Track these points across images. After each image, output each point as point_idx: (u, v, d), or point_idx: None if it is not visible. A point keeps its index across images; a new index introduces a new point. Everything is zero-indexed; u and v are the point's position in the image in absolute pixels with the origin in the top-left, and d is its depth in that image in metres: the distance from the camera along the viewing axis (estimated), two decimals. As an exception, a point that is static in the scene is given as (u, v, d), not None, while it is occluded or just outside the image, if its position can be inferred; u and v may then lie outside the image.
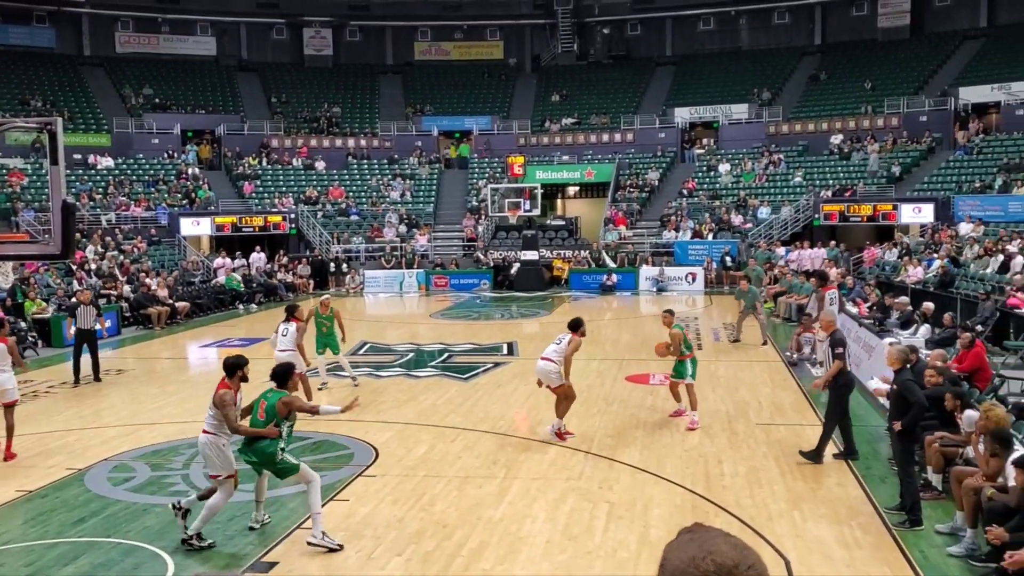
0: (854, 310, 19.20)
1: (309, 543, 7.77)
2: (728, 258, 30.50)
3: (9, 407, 10.86)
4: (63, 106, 39.64)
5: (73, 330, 15.84)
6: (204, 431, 8.04)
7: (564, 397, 11.22)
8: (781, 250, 29.77)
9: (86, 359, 15.62)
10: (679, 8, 47.13)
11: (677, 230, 33.13)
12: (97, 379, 15.50)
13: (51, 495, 9.44)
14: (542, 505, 8.82)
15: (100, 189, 34.75)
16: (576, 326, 11.50)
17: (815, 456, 9.96)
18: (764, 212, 33.44)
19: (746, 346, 18.33)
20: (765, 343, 18.24)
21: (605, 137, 41.78)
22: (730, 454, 10.52)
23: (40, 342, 19.44)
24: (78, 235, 25.53)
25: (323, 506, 8.29)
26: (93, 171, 36.32)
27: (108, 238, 29.40)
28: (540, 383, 11.49)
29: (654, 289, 30.09)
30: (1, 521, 8.67)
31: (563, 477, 9.69)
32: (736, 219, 33.35)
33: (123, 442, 11.46)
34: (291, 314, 12.98)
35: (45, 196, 31.79)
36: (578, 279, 31.18)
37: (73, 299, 18.22)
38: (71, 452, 11.15)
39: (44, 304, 20.78)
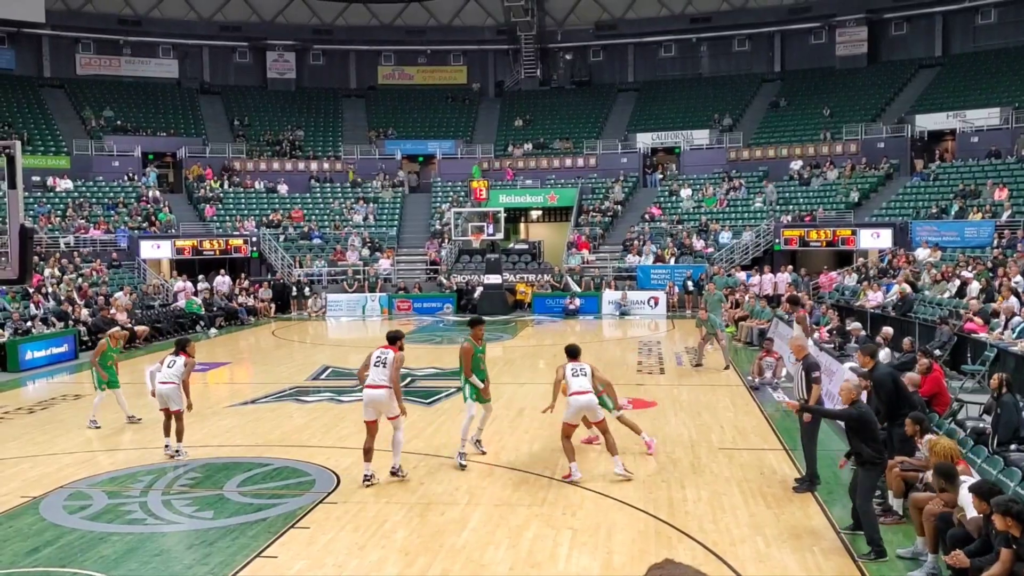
0: (815, 335, 19.45)
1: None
2: (690, 282, 30.76)
3: None
4: (22, 128, 39.12)
5: None
6: (381, 386, 10.15)
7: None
8: (742, 275, 30.10)
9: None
10: (641, 35, 47.80)
11: (640, 254, 33.38)
12: None
13: (4, 523, 9.22)
14: (505, 532, 8.78)
15: (59, 212, 34.25)
16: (394, 338, 10.62)
17: (809, 482, 9.99)
18: (725, 237, 33.82)
19: (708, 370, 18.46)
20: (727, 367, 18.40)
21: (568, 162, 42.10)
22: (693, 479, 10.56)
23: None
24: (36, 258, 25.12)
25: (282, 534, 8.35)
26: (52, 193, 35.83)
27: (66, 261, 28.96)
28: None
29: (617, 313, 30.23)
30: (-45, 552, 8.45)
31: (526, 503, 9.67)
32: (698, 243, 33.69)
33: (79, 469, 11.24)
34: (182, 348, 12.49)
35: (1, 219, 31.24)
36: (541, 303, 31.25)
37: None
38: (25, 479, 10.90)
39: (0, 329, 20.37)
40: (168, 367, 11.91)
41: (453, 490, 10.19)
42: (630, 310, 30.31)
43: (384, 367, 10.25)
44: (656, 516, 9.21)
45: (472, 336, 11.43)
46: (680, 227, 35.30)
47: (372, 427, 10.22)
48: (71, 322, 23.18)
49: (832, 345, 18.83)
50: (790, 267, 30.25)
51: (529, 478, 10.62)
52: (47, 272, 26.67)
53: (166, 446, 11.82)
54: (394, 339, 10.57)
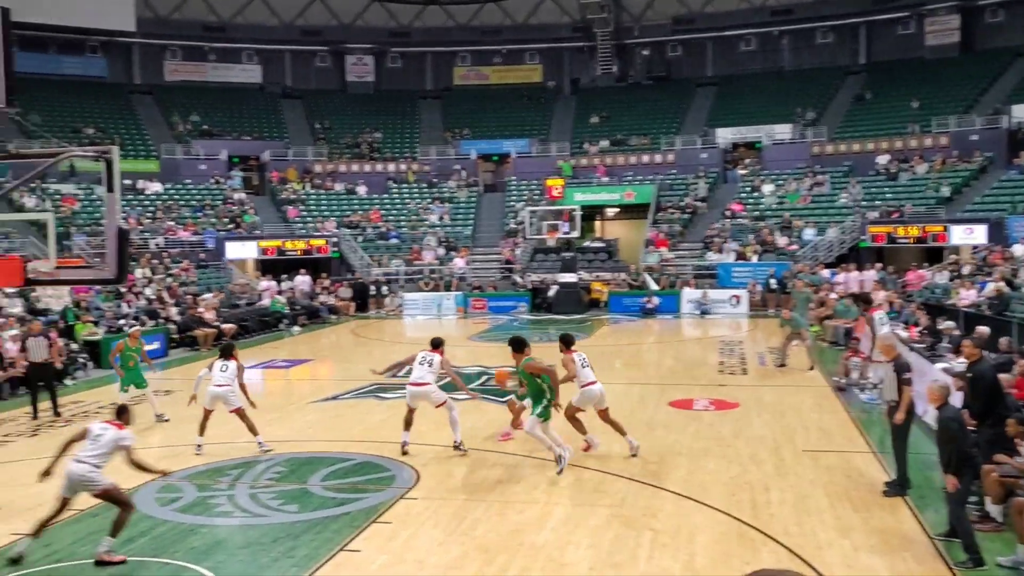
0: (904, 334, 18.83)
1: None
2: (773, 280, 30.15)
3: None
4: (114, 133, 40.59)
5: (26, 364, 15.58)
6: (424, 383, 11.76)
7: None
8: (826, 272, 29.37)
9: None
10: (720, 29, 47.08)
11: (720, 252, 32.86)
12: (56, 414, 14.89)
13: (101, 514, 9.54)
14: (585, 532, 8.73)
15: (149, 214, 35.46)
16: (437, 343, 12.30)
17: (900, 486, 9.70)
18: (809, 233, 33.06)
19: (792, 371, 18.06)
20: (812, 368, 17.97)
21: (645, 158, 41.70)
22: (777, 481, 10.34)
23: (91, 363, 19.75)
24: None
25: (364, 529, 8.54)
26: (142, 196, 37.08)
27: (156, 261, 29.97)
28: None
29: (697, 312, 29.82)
30: (53, 539, 8.79)
31: (606, 503, 9.59)
32: (781, 240, 33.00)
33: (170, 463, 11.56)
34: (229, 353, 12.78)
35: (95, 220, 32.52)
36: (618, 302, 31.02)
37: (25, 328, 17.19)
38: (120, 472, 11.26)
39: (94, 327, 21.16)
40: (221, 371, 12.33)
41: (532, 488, 10.18)
42: (711, 309, 29.85)
43: (430, 367, 11.91)
44: (739, 518, 9.04)
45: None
46: (762, 224, 34.63)
47: (413, 412, 11.95)
48: (161, 320, 23.97)
49: (923, 345, 18.21)
50: (878, 264, 29.36)
51: (608, 478, 10.54)
52: (138, 272, 27.61)
53: (198, 446, 12.13)
54: (437, 344, 12.21)
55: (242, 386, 12.46)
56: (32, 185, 32.16)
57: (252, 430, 12.14)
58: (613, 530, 8.75)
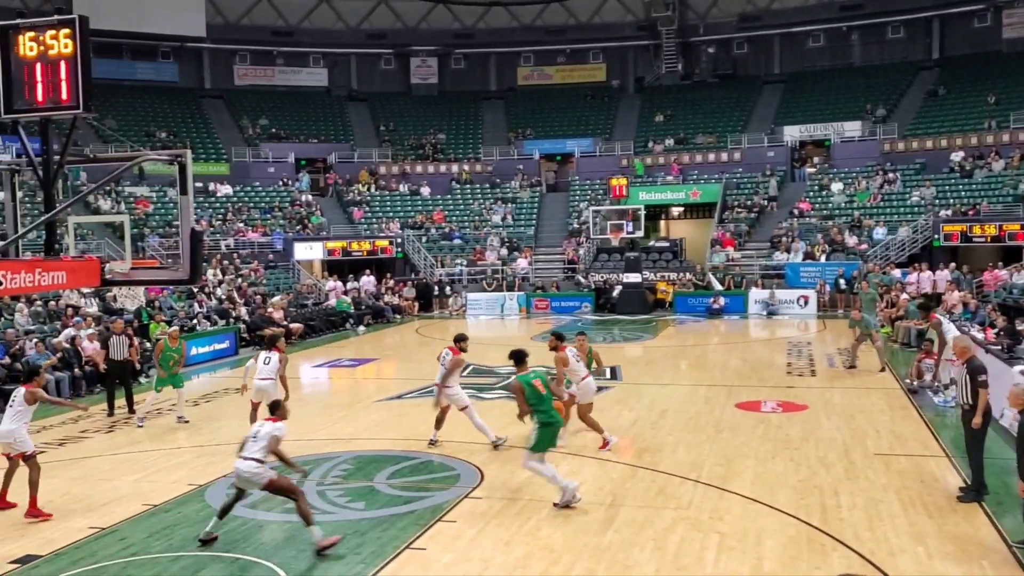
0: (980, 336, 18.26)
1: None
2: (842, 280, 29.51)
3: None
4: (185, 137, 41.63)
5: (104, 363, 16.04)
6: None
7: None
8: (897, 272, 28.66)
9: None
10: (787, 25, 46.25)
11: (788, 251, 32.31)
12: (131, 411, 15.31)
13: (173, 510, 9.82)
14: (650, 534, 8.66)
15: (220, 216, 36.29)
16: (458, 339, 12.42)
17: (976, 492, 9.43)
18: (880, 232, 32.30)
19: (862, 372, 17.65)
20: (883, 369, 17.55)
21: (711, 157, 41.20)
22: (847, 485, 10.12)
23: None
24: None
25: (429, 527, 8.69)
26: (213, 198, 37.96)
27: (227, 262, 30.67)
28: None
29: (764, 312, 29.36)
30: (128, 534, 9.06)
31: (671, 506, 9.51)
32: (850, 240, 32.30)
33: (204, 462, 11.82)
34: (273, 344, 12.98)
35: (167, 222, 33.43)
36: (683, 302, 30.71)
37: (107, 327, 17.62)
38: (192, 468, 11.60)
39: (167, 326, 21.71)
40: (264, 364, 12.52)
41: (596, 490, 10.14)
42: (778, 309, 29.36)
43: (442, 365, 12.25)
44: (808, 522, 8.88)
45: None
46: (831, 223, 33.93)
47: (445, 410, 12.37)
48: (231, 320, 24.51)
49: (1000, 347, 17.63)
50: (952, 264, 28.53)
51: (673, 480, 10.45)
52: (209, 273, 28.28)
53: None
54: (458, 340, 12.41)
55: (282, 378, 12.62)
56: (107, 188, 33.16)
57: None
58: (679, 533, 8.67)
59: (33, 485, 9.55)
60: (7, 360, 17.00)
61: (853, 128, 40.08)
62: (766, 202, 36.99)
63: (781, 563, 7.90)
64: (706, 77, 48.00)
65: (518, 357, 10.59)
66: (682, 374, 18.89)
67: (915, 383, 15.83)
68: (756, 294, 30.06)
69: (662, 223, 41.13)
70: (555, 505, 9.44)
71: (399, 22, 49.20)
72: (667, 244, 35.98)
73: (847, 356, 18.62)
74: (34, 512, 9.51)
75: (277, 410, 8.98)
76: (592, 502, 9.66)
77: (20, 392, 9.94)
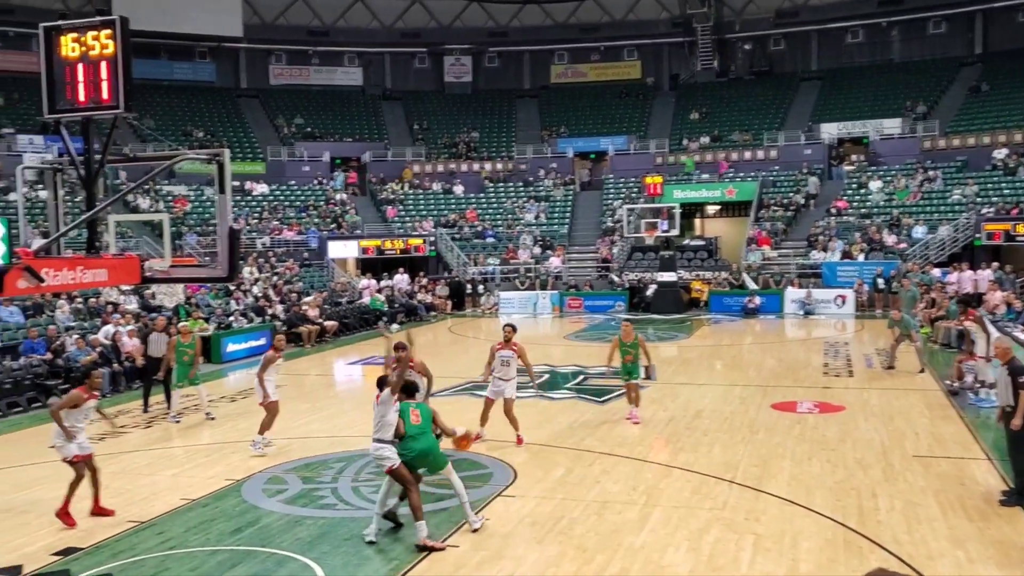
0: (1022, 336, 17.94)
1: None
2: (881, 280, 29.09)
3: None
4: (222, 136, 42.09)
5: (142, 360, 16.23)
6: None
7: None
8: (937, 272, 28.21)
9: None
10: (825, 21, 45.72)
11: (826, 250, 31.93)
12: (169, 406, 15.36)
13: (211, 504, 9.94)
14: (684, 534, 8.61)
15: (256, 214, 36.65)
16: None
17: (1018, 495, 9.24)
18: (919, 231, 31.81)
19: (901, 373, 17.40)
20: (923, 370, 17.28)
21: (747, 154, 40.84)
22: (885, 487, 9.99)
23: (201, 358, 20.50)
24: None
25: (463, 525, 8.75)
26: (249, 197, 38.34)
27: (262, 260, 30.96)
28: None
29: (801, 312, 29.04)
30: (167, 527, 9.19)
31: (706, 507, 9.44)
32: (889, 239, 31.85)
33: (277, 455, 11.95)
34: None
35: (204, 221, 33.82)
36: (718, 301, 30.47)
37: (147, 325, 17.77)
38: (228, 464, 11.72)
39: (205, 323, 21.99)
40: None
41: (630, 490, 10.10)
42: (815, 309, 29.02)
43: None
44: (845, 524, 8.78)
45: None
46: (869, 221, 33.49)
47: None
48: (267, 317, 24.74)
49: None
50: (995, 264, 28.02)
51: (708, 481, 10.37)
52: (246, 271, 28.57)
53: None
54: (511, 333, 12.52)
55: (259, 378, 12.57)
56: (146, 187, 33.61)
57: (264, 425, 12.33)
58: (714, 533, 8.61)
59: (71, 487, 9.32)
60: (48, 356, 17.29)
61: (893, 125, 39.51)
62: (804, 200, 36.58)
63: (818, 565, 7.81)
64: (742, 74, 47.62)
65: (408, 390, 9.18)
66: (717, 374, 18.76)
67: (956, 384, 15.57)
68: (792, 294, 29.74)
69: (697, 221, 40.82)
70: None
71: (433, 21, 49.35)
72: (702, 243, 35.72)
73: (886, 357, 18.36)
74: (62, 510, 9.27)
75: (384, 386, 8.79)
76: (626, 501, 9.63)
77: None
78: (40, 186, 28.14)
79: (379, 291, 30.62)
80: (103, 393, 16.72)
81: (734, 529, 8.71)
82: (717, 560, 7.97)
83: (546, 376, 18.11)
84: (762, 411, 14.25)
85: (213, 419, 14.66)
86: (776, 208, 36.34)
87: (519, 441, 12.25)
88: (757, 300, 29.57)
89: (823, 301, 29.25)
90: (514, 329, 12.64)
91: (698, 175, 39.71)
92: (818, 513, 9.13)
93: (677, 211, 32.42)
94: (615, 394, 15.73)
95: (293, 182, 40.80)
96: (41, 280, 6.57)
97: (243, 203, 37.31)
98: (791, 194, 37.20)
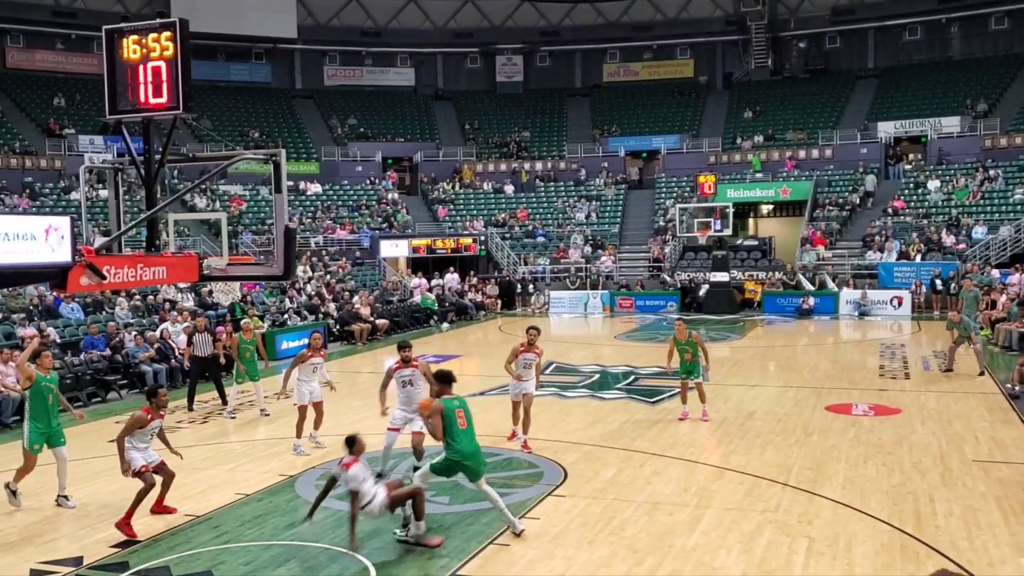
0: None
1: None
2: (939, 281, 28.46)
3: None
4: (277, 136, 42.71)
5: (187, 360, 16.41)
6: None
7: None
8: (995, 273, 27.51)
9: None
10: (882, 18, 44.91)
11: (882, 251, 31.33)
12: (224, 403, 15.67)
13: (265, 499, 10.09)
14: (736, 536, 8.52)
15: (309, 214, 37.14)
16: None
17: None
18: (980, 232, 31.04)
19: (960, 376, 17.00)
20: (982, 373, 16.87)
21: (802, 153, 40.25)
22: (943, 492, 9.76)
23: (265, 356, 20.80)
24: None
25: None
26: (303, 197, 38.86)
27: (316, 259, 31.36)
28: None
29: (856, 313, 28.54)
30: (221, 521, 9.35)
31: (759, 509, 9.33)
32: (948, 239, 31.14)
33: (330, 452, 12.08)
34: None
35: (260, 220, 34.36)
36: (772, 302, 30.08)
37: (191, 324, 17.87)
38: (283, 460, 11.89)
39: (260, 320, 22.34)
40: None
41: (682, 491, 10.02)
42: (870, 310, 28.51)
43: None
44: (901, 529, 8.60)
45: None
46: (927, 221, 32.78)
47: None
48: (320, 315, 25.06)
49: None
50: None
51: (761, 483, 10.24)
52: (299, 269, 28.96)
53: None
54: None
55: (286, 375, 12.75)
56: (203, 186, 34.25)
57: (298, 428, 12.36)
58: (766, 536, 8.50)
59: (137, 497, 9.06)
60: (108, 352, 17.71)
61: (952, 124, 38.63)
62: (859, 200, 35.94)
63: (873, 569, 7.67)
64: (797, 72, 46.99)
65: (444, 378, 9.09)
66: (770, 375, 18.52)
67: (1017, 388, 15.17)
68: (847, 294, 29.25)
69: (750, 221, 40.39)
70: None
71: (485, 21, 49.51)
72: (755, 242, 35.32)
73: (944, 359, 17.97)
74: (124, 521, 8.97)
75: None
76: (678, 503, 9.55)
77: None
78: (101, 185, 28.85)
79: (430, 290, 30.82)
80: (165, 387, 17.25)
81: (787, 532, 8.60)
82: (770, 563, 7.87)
83: (597, 376, 18.06)
84: (816, 413, 14.04)
85: (268, 415, 14.88)
86: (831, 208, 35.76)
87: (525, 445, 11.92)
88: (811, 301, 29.14)
89: (879, 302, 28.74)
90: (538, 332, 12.31)
91: (752, 174, 39.27)
92: (873, 517, 8.97)
93: (730, 210, 32.10)
94: (667, 395, 15.65)
95: (346, 182, 41.25)
96: (103, 277, 6.73)
97: (297, 202, 37.83)
98: (846, 193, 36.58)
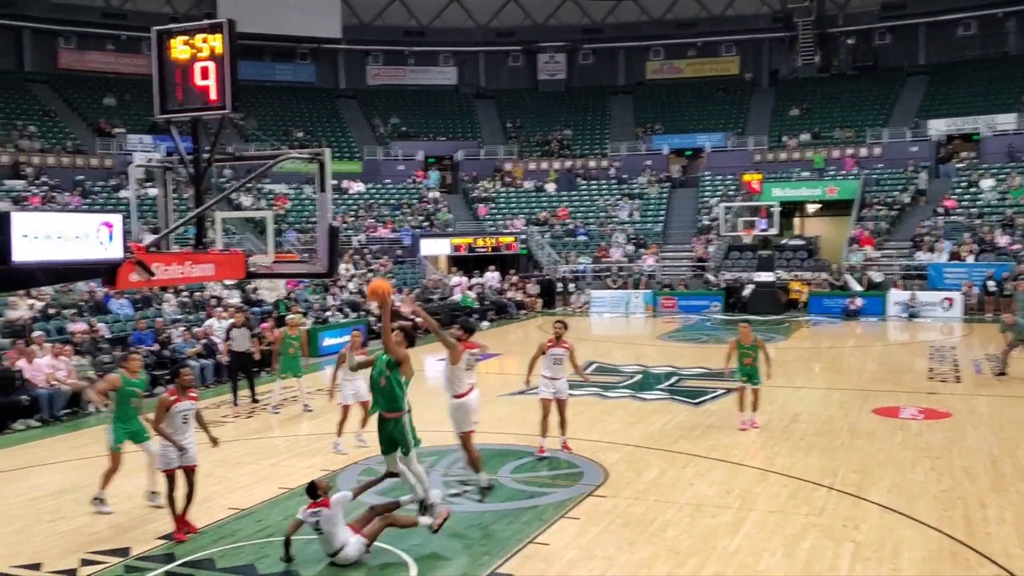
0: None
1: None
2: (991, 282, 27.82)
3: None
4: (321, 136, 43.10)
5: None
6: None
7: None
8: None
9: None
10: (934, 14, 43.98)
11: (932, 251, 30.73)
12: (254, 400, 15.92)
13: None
14: (780, 540, 8.41)
15: (352, 212, 37.43)
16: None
17: None
18: (1035, 232, 30.32)
19: (1013, 380, 16.61)
20: (1036, 377, 16.47)
21: (849, 152, 39.62)
22: (994, 498, 9.54)
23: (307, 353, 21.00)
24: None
25: (553, 523, 8.69)
26: (346, 195, 39.18)
27: (358, 257, 31.60)
28: None
29: (904, 315, 28.03)
30: (265, 515, 9.46)
31: (803, 512, 9.20)
32: (1001, 239, 30.43)
33: (371, 448, 12.15)
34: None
35: (304, 219, 34.71)
36: (818, 303, 29.65)
37: (229, 319, 18.04)
38: (325, 455, 12.00)
39: (303, 317, 22.55)
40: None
41: (724, 493, 9.92)
42: (920, 312, 27.98)
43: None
44: (951, 535, 8.42)
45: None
46: (980, 221, 32.08)
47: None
48: (362, 312, 25.24)
49: None
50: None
51: (805, 486, 10.10)
52: (342, 267, 29.20)
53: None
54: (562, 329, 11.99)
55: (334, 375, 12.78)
56: (248, 185, 34.68)
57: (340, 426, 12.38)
58: (811, 540, 8.38)
59: (169, 501, 8.84)
60: (156, 347, 18.01)
61: (1007, 121, 37.70)
62: (910, 198, 35.27)
63: (922, 577, 7.53)
64: (845, 69, 46.24)
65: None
66: (816, 377, 18.27)
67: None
68: (896, 295, 28.74)
69: (796, 220, 39.86)
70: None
71: (528, 19, 49.48)
72: (802, 242, 34.86)
73: (997, 362, 17.56)
74: (179, 519, 8.84)
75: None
76: (720, 505, 9.46)
77: None
78: (149, 184, 29.27)
79: (470, 288, 30.89)
80: (205, 384, 17.50)
81: (832, 536, 8.47)
82: (814, 567, 7.76)
83: (639, 376, 17.96)
84: (863, 416, 13.81)
85: (311, 411, 15.02)
86: (880, 207, 35.16)
87: (564, 446, 11.73)
88: (859, 302, 28.67)
89: (928, 304, 28.18)
90: (565, 326, 12.01)
91: (798, 172, 38.75)
92: (921, 523, 8.80)
93: (776, 209, 31.69)
94: (710, 396, 15.51)
95: (388, 180, 41.50)
96: (152, 274, 6.84)
97: (340, 201, 38.14)
98: (895, 192, 35.93)
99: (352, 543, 8.09)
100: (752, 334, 13.12)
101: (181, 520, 8.86)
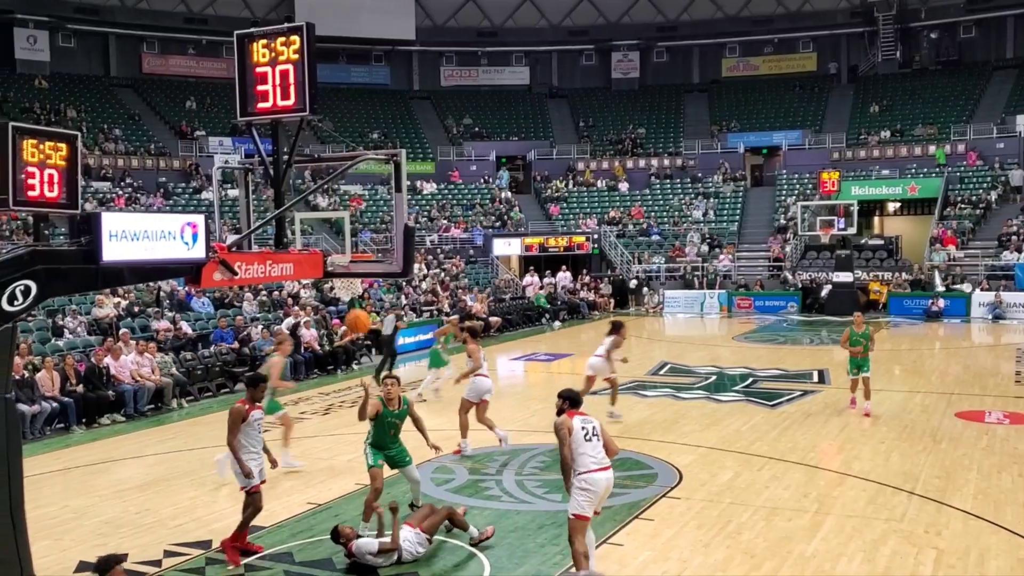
0: None
1: None
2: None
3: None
4: (395, 137, 43.63)
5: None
6: None
7: None
8: None
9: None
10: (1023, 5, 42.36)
11: (1019, 251, 29.63)
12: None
13: (385, 490, 10.28)
14: (859, 545, 8.22)
15: (425, 212, 37.83)
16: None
17: None
18: None
19: (1107, 384, 15.94)
20: None
21: (931, 149, 38.42)
22: (1088, 508, 9.17)
23: (374, 350, 21.37)
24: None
25: (627, 524, 8.70)
26: (419, 196, 39.61)
27: (431, 257, 31.93)
28: None
29: (989, 316, 27.10)
30: (342, 510, 9.65)
31: (883, 517, 8.98)
32: (1095, 239, 29.22)
33: (444, 446, 12.26)
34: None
35: (379, 219, 35.20)
36: (898, 304, 28.86)
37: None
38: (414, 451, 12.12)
39: (378, 317, 22.88)
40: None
41: (801, 496, 9.74)
42: (1005, 313, 27.01)
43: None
44: (1041, 546, 8.12)
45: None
46: (1070, 220, 30.84)
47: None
48: (435, 311, 25.48)
49: None
50: None
51: (885, 491, 9.85)
52: (415, 267, 29.55)
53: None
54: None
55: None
56: (325, 186, 35.33)
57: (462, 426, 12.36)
58: (891, 545, 8.18)
59: (246, 518, 8.46)
60: (236, 345, 18.49)
61: (1101, 115, 36.16)
62: (995, 198, 34.06)
63: (1009, 588, 7.28)
64: (927, 64, 44.85)
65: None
66: (896, 379, 17.78)
67: None
68: (980, 296, 27.78)
69: (876, 219, 38.86)
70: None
71: (601, 17, 49.23)
72: (881, 242, 34.00)
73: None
74: (240, 541, 8.38)
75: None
76: (797, 508, 9.30)
77: None
78: (229, 185, 30.09)
79: (542, 288, 30.92)
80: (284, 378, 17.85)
81: (913, 542, 8.25)
82: (894, 573, 7.57)
83: (713, 378, 17.75)
84: (945, 420, 13.41)
85: (424, 400, 15.29)
86: (964, 206, 34.05)
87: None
88: (941, 303, 27.82)
89: (1015, 305, 27.19)
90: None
91: (878, 170, 37.76)
92: (1008, 530, 8.50)
93: (855, 208, 30.96)
94: (786, 398, 15.26)
95: (460, 181, 41.78)
96: (234, 273, 7.04)
97: (413, 202, 38.54)
98: (980, 191, 34.74)
99: (411, 538, 8.12)
100: (865, 324, 13.89)
101: (243, 541, 8.40)
